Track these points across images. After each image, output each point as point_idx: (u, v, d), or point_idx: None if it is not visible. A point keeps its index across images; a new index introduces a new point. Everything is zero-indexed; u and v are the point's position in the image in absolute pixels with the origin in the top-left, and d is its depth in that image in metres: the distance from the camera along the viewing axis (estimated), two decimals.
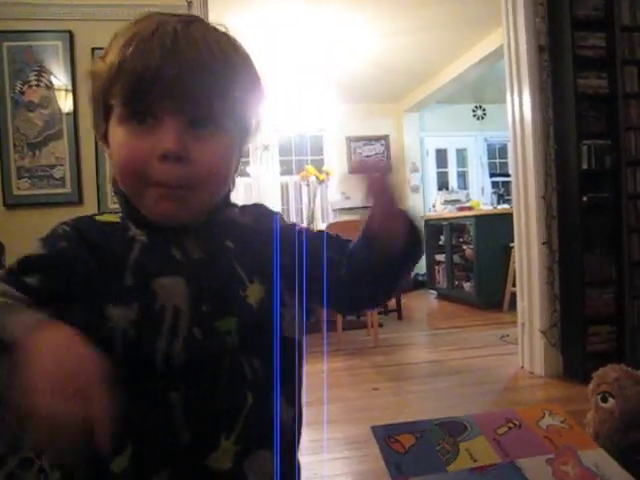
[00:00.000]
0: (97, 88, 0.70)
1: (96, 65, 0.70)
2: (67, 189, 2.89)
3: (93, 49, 2.75)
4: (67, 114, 2.87)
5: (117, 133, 0.69)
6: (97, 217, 0.76)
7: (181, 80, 0.65)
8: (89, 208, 2.85)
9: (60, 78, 2.86)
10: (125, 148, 0.68)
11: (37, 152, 2.84)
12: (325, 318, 3.92)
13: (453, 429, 0.67)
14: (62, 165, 2.88)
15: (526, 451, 0.63)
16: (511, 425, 0.68)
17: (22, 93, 2.82)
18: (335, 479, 2.17)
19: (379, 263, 0.71)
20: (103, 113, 0.71)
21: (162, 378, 0.67)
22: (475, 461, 0.62)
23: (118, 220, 0.74)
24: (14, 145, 2.81)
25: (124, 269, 0.68)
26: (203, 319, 0.70)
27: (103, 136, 0.73)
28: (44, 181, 2.86)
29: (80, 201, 2.90)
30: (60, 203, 2.86)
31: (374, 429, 0.65)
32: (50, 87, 2.86)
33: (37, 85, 2.84)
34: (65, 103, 2.87)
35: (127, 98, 0.66)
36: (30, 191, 2.85)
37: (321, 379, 2.33)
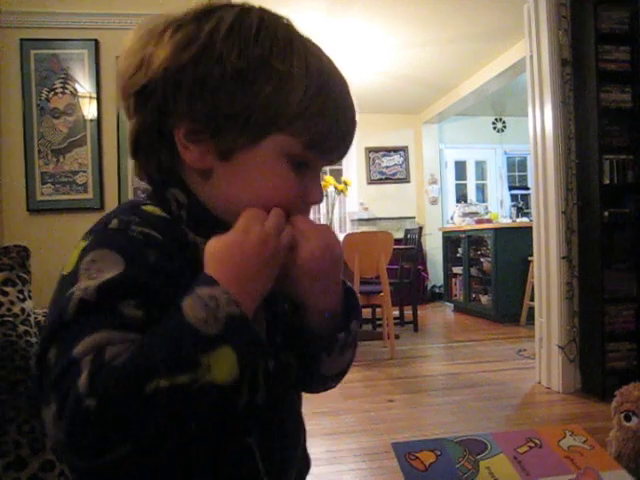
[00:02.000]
0: (264, 111, 0.62)
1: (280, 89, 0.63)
2: (89, 195, 2.93)
3: (117, 57, 2.80)
4: (91, 121, 2.91)
5: (276, 166, 0.63)
6: (145, 208, 0.62)
7: (350, 135, 0.67)
8: None
9: (85, 86, 2.90)
10: (283, 187, 0.64)
11: (61, 158, 2.88)
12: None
13: (473, 447, 0.66)
14: (85, 171, 2.91)
15: (547, 471, 0.63)
16: (531, 444, 0.67)
17: (48, 100, 2.87)
18: None
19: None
20: (255, 133, 0.62)
21: (242, 420, 0.61)
22: None
23: (166, 215, 0.63)
24: (39, 151, 2.86)
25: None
26: (276, 351, 0.66)
27: (227, 150, 0.63)
28: (67, 187, 2.90)
29: (101, 207, 2.94)
30: (82, 209, 2.90)
31: (394, 445, 0.64)
32: (75, 94, 2.90)
33: (62, 92, 2.88)
34: (89, 110, 2.91)
35: (310, 143, 0.63)
36: (53, 197, 2.89)
37: (337, 390, 2.33)
